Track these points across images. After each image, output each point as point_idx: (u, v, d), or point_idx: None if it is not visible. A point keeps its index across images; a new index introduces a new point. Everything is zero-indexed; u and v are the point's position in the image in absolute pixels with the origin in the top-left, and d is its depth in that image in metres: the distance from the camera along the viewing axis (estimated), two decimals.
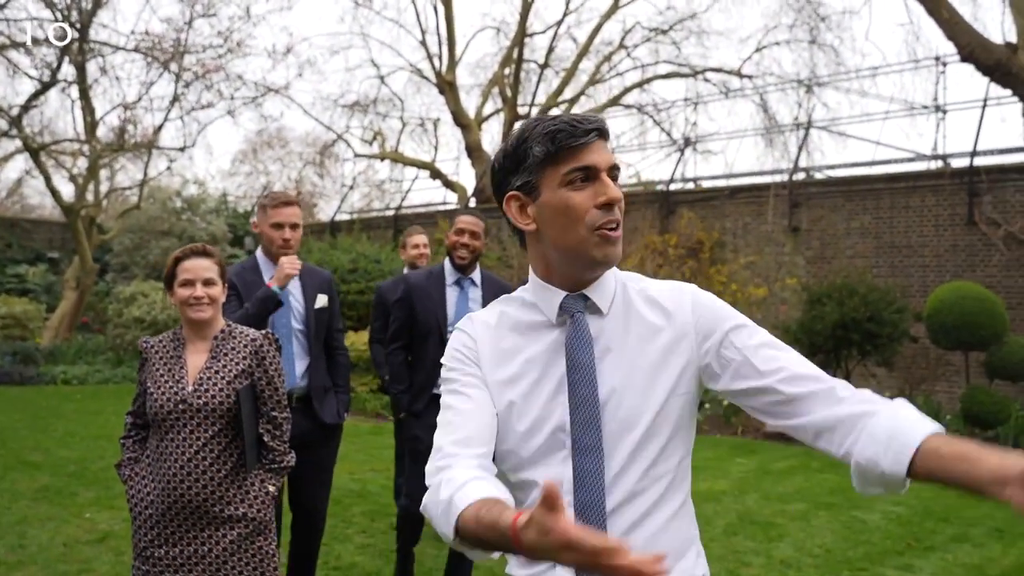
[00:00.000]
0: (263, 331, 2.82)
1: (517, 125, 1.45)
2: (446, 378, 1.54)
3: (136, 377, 2.77)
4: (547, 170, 1.43)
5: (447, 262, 3.93)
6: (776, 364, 1.40)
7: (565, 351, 1.47)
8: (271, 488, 2.71)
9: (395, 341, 3.96)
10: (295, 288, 3.61)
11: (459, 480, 1.28)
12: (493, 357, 1.51)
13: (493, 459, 1.43)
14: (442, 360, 1.56)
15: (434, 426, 1.57)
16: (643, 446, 1.44)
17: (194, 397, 2.58)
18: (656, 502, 1.44)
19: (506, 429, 1.47)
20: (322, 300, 3.63)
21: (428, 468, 1.39)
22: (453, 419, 1.45)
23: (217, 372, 2.64)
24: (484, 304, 3.82)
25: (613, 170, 1.44)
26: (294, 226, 3.54)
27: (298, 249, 3.61)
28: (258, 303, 3.37)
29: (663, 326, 1.47)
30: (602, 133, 1.43)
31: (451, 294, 3.88)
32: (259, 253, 3.64)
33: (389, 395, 3.98)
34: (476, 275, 3.97)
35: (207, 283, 2.68)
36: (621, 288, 1.53)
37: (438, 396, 3.75)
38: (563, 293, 1.50)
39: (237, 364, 2.68)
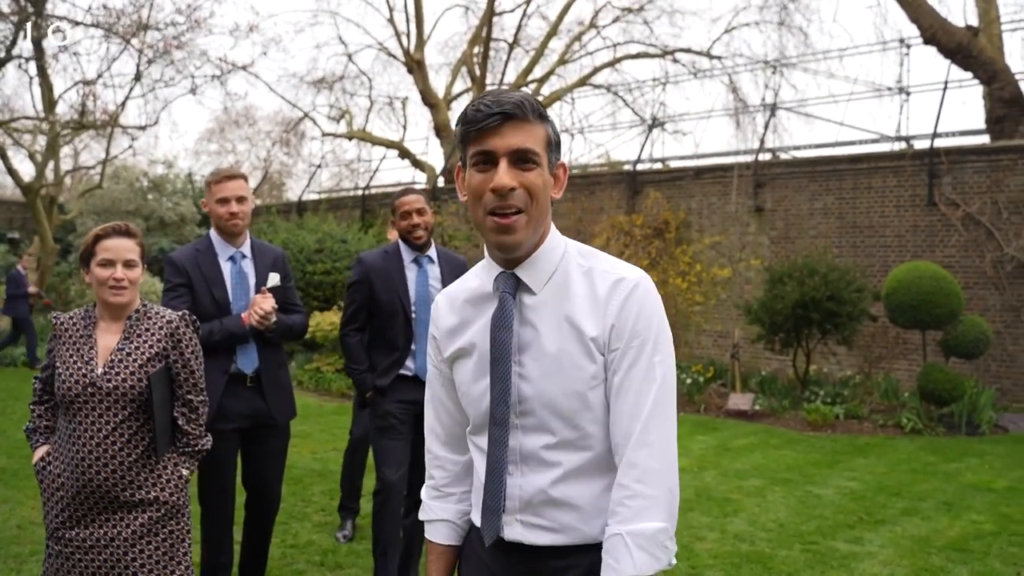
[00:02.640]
0: (180, 312, 2.69)
1: None
2: (428, 358, 1.71)
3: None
4: (465, 148, 1.48)
5: (400, 242, 3.84)
6: (620, 414, 1.46)
7: (490, 329, 1.51)
8: (184, 472, 2.63)
9: (350, 324, 3.84)
10: (251, 269, 3.60)
11: (427, 516, 1.72)
12: (449, 331, 1.61)
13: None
14: None
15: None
16: (551, 421, 1.49)
17: (104, 380, 2.49)
18: (568, 472, 1.49)
19: (465, 399, 1.58)
20: (274, 279, 3.61)
21: (427, 463, 1.73)
22: (428, 411, 1.72)
23: (129, 355, 2.54)
24: (443, 281, 3.78)
25: (517, 154, 1.44)
26: (240, 199, 3.50)
27: (248, 224, 3.59)
28: (228, 337, 3.41)
29: (590, 313, 1.48)
30: (508, 116, 1.43)
31: (410, 273, 3.80)
32: (212, 233, 3.61)
33: (352, 378, 3.85)
34: (432, 252, 3.88)
35: (128, 264, 2.57)
36: (565, 266, 1.52)
37: (403, 376, 3.73)
38: (499, 270, 1.53)
39: (151, 347, 2.57)
